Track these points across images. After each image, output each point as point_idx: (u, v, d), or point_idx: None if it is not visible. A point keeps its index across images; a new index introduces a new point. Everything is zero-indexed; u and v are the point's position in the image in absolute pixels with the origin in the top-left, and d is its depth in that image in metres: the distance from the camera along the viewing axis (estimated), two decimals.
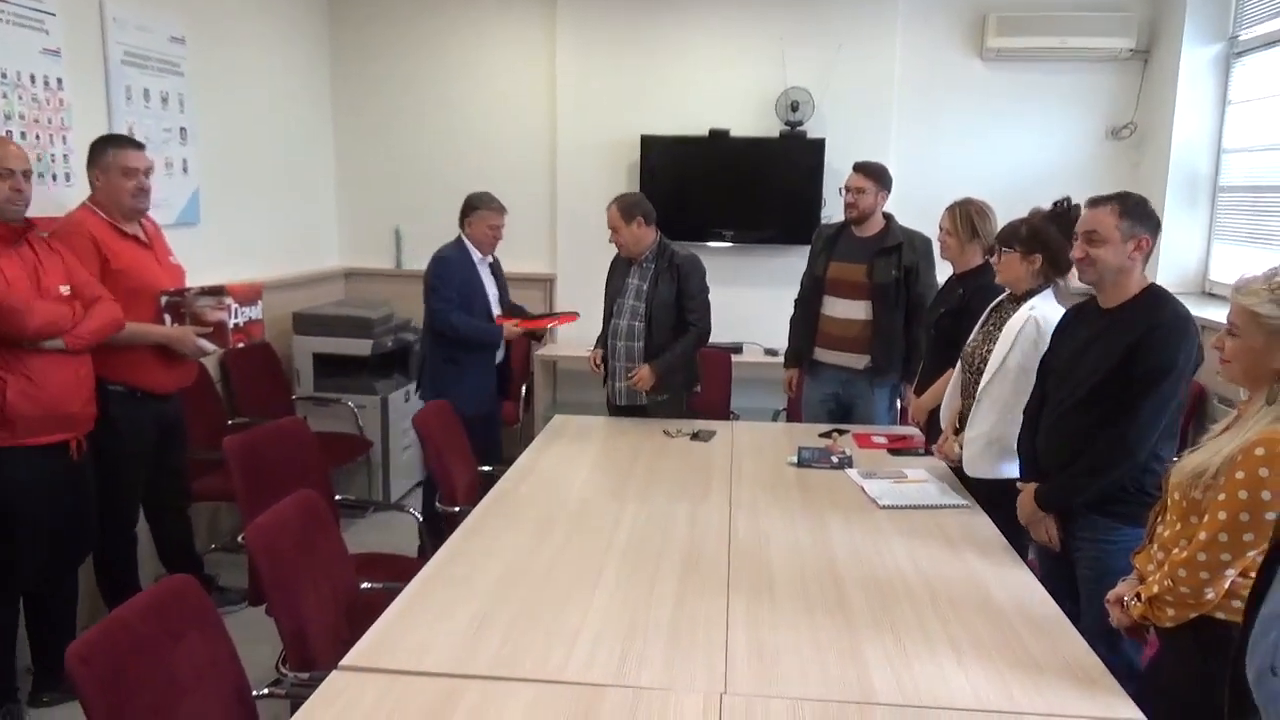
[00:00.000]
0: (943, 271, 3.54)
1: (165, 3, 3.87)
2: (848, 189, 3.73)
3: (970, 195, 3.31)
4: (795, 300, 4.02)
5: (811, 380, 3.95)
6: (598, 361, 3.83)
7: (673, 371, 3.68)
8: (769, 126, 5.13)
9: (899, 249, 3.67)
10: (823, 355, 3.87)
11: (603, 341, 3.84)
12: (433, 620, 2.00)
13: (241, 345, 3.41)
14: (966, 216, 3.23)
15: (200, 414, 3.79)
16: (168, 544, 3.53)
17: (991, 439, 2.74)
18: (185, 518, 3.58)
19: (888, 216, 3.77)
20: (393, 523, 4.53)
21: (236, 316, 3.27)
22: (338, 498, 3.14)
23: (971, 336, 2.99)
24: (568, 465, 3.18)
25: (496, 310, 3.99)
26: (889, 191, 3.75)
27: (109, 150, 3.05)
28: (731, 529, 2.58)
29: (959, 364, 3.03)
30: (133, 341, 3.03)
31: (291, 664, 2.03)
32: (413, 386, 5.02)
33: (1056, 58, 4.98)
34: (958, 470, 3.00)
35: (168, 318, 3.16)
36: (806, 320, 3.90)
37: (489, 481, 3.03)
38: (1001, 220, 3.01)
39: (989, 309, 2.98)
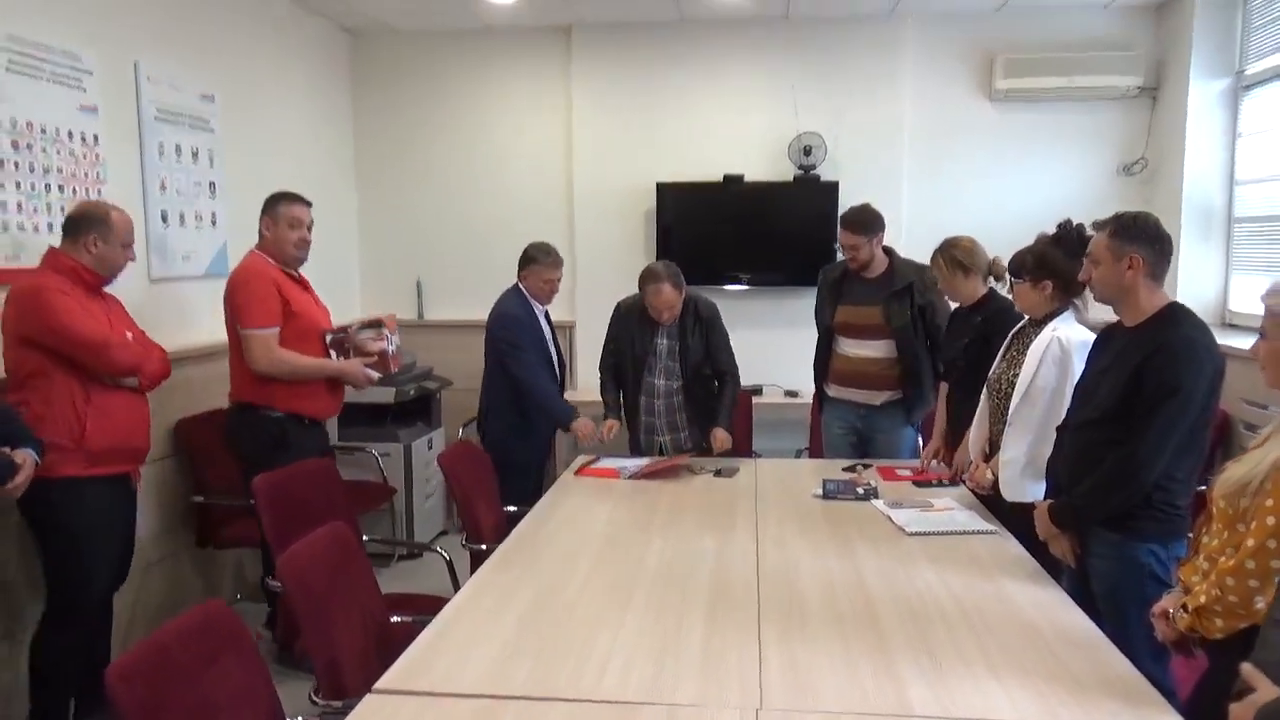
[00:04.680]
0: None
1: (196, 62, 4.01)
2: (842, 246, 3.75)
3: (966, 234, 3.32)
4: (816, 344, 4.04)
5: (829, 411, 3.94)
6: (610, 434, 3.80)
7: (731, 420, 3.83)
8: (782, 171, 5.21)
9: (909, 289, 3.67)
10: (837, 392, 3.86)
11: (616, 409, 3.88)
12: (465, 644, 2.00)
13: (395, 371, 3.70)
14: (951, 260, 3.26)
15: (225, 459, 3.81)
16: None
17: (1026, 462, 2.73)
18: None
19: (889, 252, 3.76)
20: (419, 571, 4.52)
21: (390, 344, 3.57)
22: (365, 538, 3.15)
23: (995, 364, 3.00)
24: (591, 502, 3.18)
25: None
26: (883, 232, 3.70)
27: (280, 204, 3.39)
28: (759, 557, 2.57)
29: (984, 391, 3.03)
30: (311, 376, 3.38)
31: (325, 694, 2.03)
32: (436, 434, 5.09)
33: (1065, 97, 5.06)
34: (985, 499, 2.99)
35: (333, 353, 3.47)
36: (822, 363, 3.91)
37: (514, 521, 3.04)
38: (1010, 254, 3.03)
39: (1010, 335, 2.99)
